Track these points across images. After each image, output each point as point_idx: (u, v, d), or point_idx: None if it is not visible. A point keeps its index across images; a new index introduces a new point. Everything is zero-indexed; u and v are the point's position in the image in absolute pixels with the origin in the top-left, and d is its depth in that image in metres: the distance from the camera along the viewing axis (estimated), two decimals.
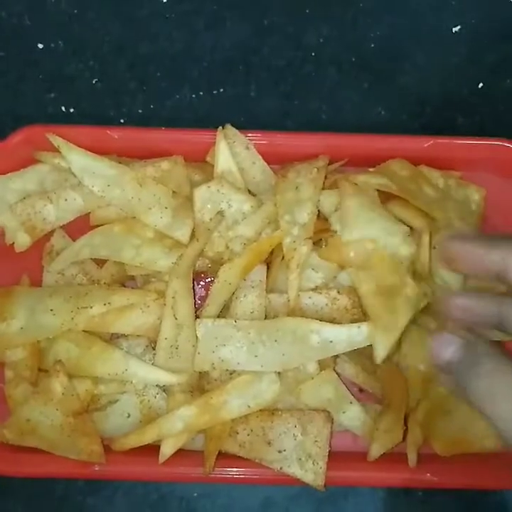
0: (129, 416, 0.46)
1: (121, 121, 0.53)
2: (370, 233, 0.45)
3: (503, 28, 0.55)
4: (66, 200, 0.48)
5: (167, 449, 0.45)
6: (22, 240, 0.49)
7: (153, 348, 0.46)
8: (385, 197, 0.48)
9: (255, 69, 0.54)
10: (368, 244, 0.45)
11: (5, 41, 0.54)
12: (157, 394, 0.46)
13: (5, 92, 0.53)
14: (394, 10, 0.55)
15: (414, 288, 0.44)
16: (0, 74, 0.54)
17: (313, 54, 0.54)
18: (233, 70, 0.54)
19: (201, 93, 0.54)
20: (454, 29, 0.55)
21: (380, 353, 0.43)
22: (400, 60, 0.54)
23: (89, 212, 0.49)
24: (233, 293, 0.47)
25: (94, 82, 0.54)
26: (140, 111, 0.54)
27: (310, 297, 0.46)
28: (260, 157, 0.49)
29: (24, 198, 0.48)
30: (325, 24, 0.55)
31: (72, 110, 0.54)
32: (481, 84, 0.54)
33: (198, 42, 0.54)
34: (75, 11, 0.54)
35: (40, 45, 0.54)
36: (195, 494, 0.49)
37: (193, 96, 0.54)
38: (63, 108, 0.54)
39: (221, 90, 0.54)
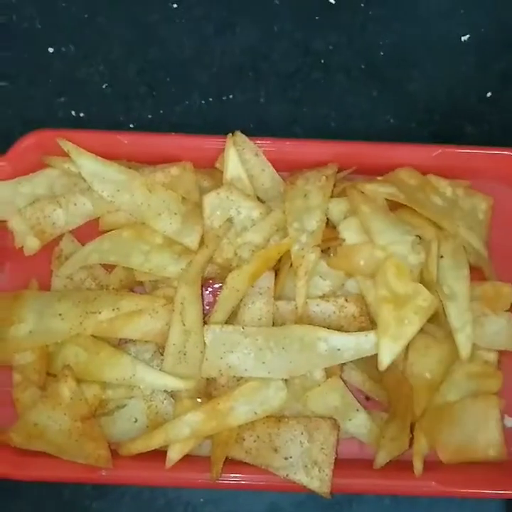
0: (136, 421, 0.47)
1: (131, 126, 0.54)
2: (383, 240, 0.46)
3: (510, 38, 0.55)
4: (75, 204, 0.49)
5: (174, 455, 0.45)
6: (31, 244, 0.49)
7: (161, 354, 0.47)
8: (393, 205, 0.48)
9: (264, 75, 0.55)
10: (378, 251, 0.46)
11: (15, 45, 0.55)
12: (164, 399, 0.47)
13: (15, 96, 0.54)
14: (403, 18, 0.55)
15: (428, 297, 0.45)
16: (10, 78, 0.55)
17: (322, 61, 0.55)
18: (242, 76, 0.55)
19: (210, 99, 0.55)
20: (462, 38, 0.55)
21: (385, 359, 0.44)
22: (408, 67, 0.55)
23: (99, 217, 0.49)
24: (241, 299, 0.47)
25: (104, 86, 0.55)
26: (149, 116, 0.54)
27: (318, 305, 0.47)
28: (269, 164, 0.50)
29: (33, 202, 0.49)
30: (334, 31, 0.55)
31: (82, 114, 0.54)
32: (489, 93, 0.55)
33: (207, 48, 0.55)
34: (86, 16, 0.55)
35: (51, 49, 0.55)
36: (202, 500, 0.50)
37: (203, 102, 0.55)
38: (73, 112, 0.54)
39: (230, 96, 0.55)
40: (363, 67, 0.55)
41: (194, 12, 0.55)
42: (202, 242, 0.48)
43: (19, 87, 0.54)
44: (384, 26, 0.55)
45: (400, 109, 0.54)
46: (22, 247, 0.49)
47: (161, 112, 0.54)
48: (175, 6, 0.55)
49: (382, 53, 0.55)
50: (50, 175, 0.50)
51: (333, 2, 0.55)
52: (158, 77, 0.55)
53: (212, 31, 0.55)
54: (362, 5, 0.55)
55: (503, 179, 0.51)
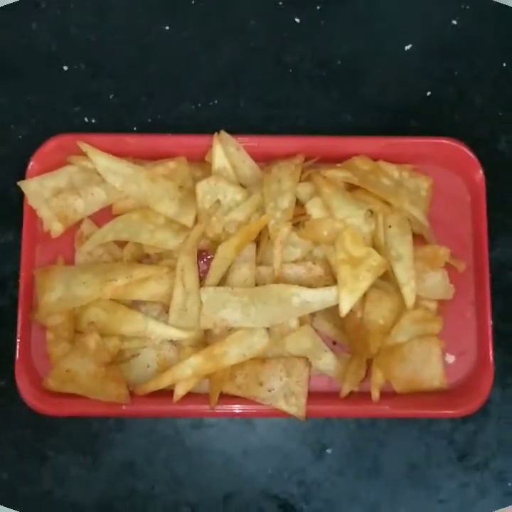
0: (148, 366, 0.53)
1: (134, 128, 0.59)
2: (341, 214, 0.52)
3: (446, 47, 0.61)
4: (92, 194, 0.54)
5: (180, 391, 0.52)
6: (56, 228, 0.55)
7: (167, 311, 0.52)
8: (350, 187, 0.55)
9: (243, 84, 0.60)
10: (337, 224, 0.53)
11: (37, 65, 0.60)
12: (170, 348, 0.53)
13: (37, 107, 0.60)
14: (357, 32, 0.61)
15: (377, 258, 0.52)
16: (35, 92, 0.60)
17: (290, 70, 0.60)
18: (225, 85, 0.60)
19: (199, 104, 0.60)
20: (406, 47, 0.61)
21: (344, 307, 0.51)
22: (362, 74, 0.60)
23: (112, 204, 0.55)
24: (229, 266, 0.53)
25: (111, 97, 0.60)
26: (149, 120, 0.59)
27: (291, 268, 0.53)
28: (249, 156, 0.55)
29: (57, 194, 0.54)
30: (299, 45, 0.61)
31: (93, 121, 0.60)
32: (429, 93, 0.60)
33: (196, 62, 0.60)
34: (93, 39, 0.61)
35: (66, 68, 0.60)
36: (204, 428, 0.56)
37: (193, 107, 0.60)
38: (86, 119, 0.60)
39: (216, 102, 0.60)
40: (324, 74, 0.60)
41: (184, 34, 0.60)
42: (196, 221, 0.53)
43: (42, 99, 0.59)
44: (341, 40, 0.60)
45: (355, 108, 0.59)
46: (49, 230, 0.54)
47: (159, 116, 0.59)
48: (167, 28, 0.61)
49: (339, 62, 0.60)
50: (70, 171, 0.55)
51: (298, 21, 0.61)
52: (155, 88, 0.59)
53: (199, 49, 0.60)
54: (322, 22, 0.61)
55: (440, 163, 0.56)
